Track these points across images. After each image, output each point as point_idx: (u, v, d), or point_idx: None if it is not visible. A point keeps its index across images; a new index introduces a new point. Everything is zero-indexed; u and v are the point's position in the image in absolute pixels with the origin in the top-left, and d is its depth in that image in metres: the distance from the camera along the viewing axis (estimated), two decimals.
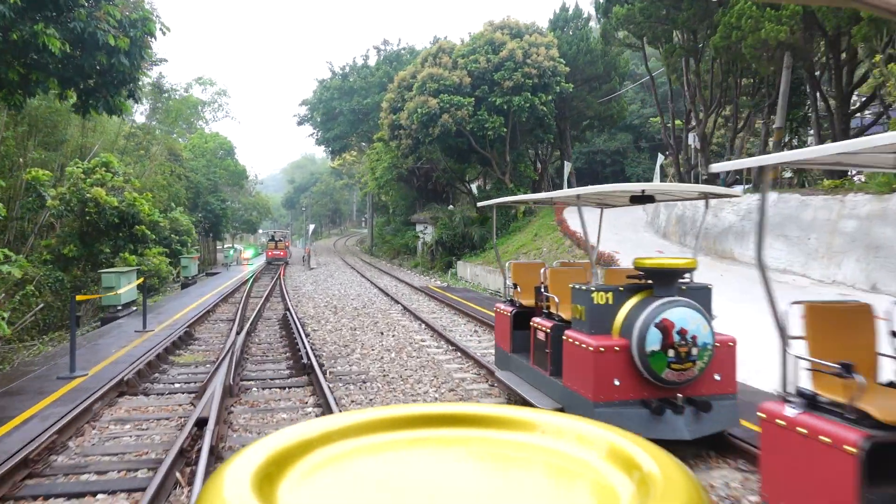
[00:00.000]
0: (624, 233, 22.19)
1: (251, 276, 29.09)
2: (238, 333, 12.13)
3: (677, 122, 26.36)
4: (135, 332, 12.13)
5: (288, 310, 15.55)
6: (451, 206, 34.50)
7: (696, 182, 25.90)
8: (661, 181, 25.55)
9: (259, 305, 16.95)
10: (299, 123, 50.29)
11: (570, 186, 33.62)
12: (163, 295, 23.05)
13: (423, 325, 13.56)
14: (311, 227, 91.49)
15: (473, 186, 41.07)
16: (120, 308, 14.62)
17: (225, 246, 59.33)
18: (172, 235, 30.46)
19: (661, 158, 23.95)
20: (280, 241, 39.03)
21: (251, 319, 14.20)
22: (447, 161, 33.86)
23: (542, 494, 0.97)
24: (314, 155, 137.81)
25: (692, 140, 21.07)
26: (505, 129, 27.80)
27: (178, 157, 33.47)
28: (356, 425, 1.17)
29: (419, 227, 40.86)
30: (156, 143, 32.31)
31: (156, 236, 19.33)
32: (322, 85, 47.05)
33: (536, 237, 24.48)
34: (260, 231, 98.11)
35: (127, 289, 14.88)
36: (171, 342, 11.07)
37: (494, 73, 27.23)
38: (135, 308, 15.72)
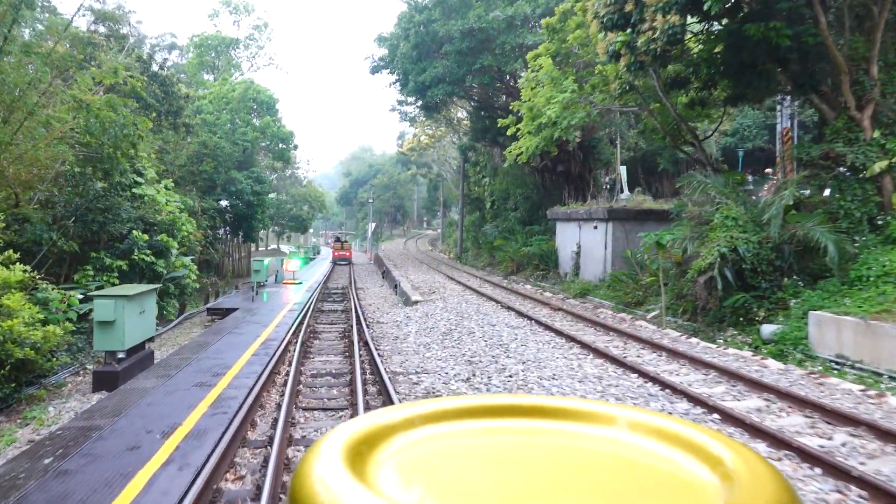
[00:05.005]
0: None
1: (298, 320, 12.72)
2: None
3: None
4: None
5: None
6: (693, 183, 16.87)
7: None
8: None
9: None
10: (373, 71, 33.91)
11: None
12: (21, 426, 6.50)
13: None
14: (372, 225, 75.14)
15: (621, 172, 23.81)
16: None
17: (261, 251, 43.58)
18: (136, 233, 14.12)
19: None
20: (345, 242, 44.28)
21: None
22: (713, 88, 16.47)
23: (627, 487, 0.94)
24: (372, 146, 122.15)
25: None
26: None
27: (158, 76, 17.05)
28: (436, 412, 1.14)
29: (567, 228, 23.99)
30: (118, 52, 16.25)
31: None
32: (412, 6, 30.41)
33: None
34: (311, 231, 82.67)
35: None
36: None
37: None
38: None
